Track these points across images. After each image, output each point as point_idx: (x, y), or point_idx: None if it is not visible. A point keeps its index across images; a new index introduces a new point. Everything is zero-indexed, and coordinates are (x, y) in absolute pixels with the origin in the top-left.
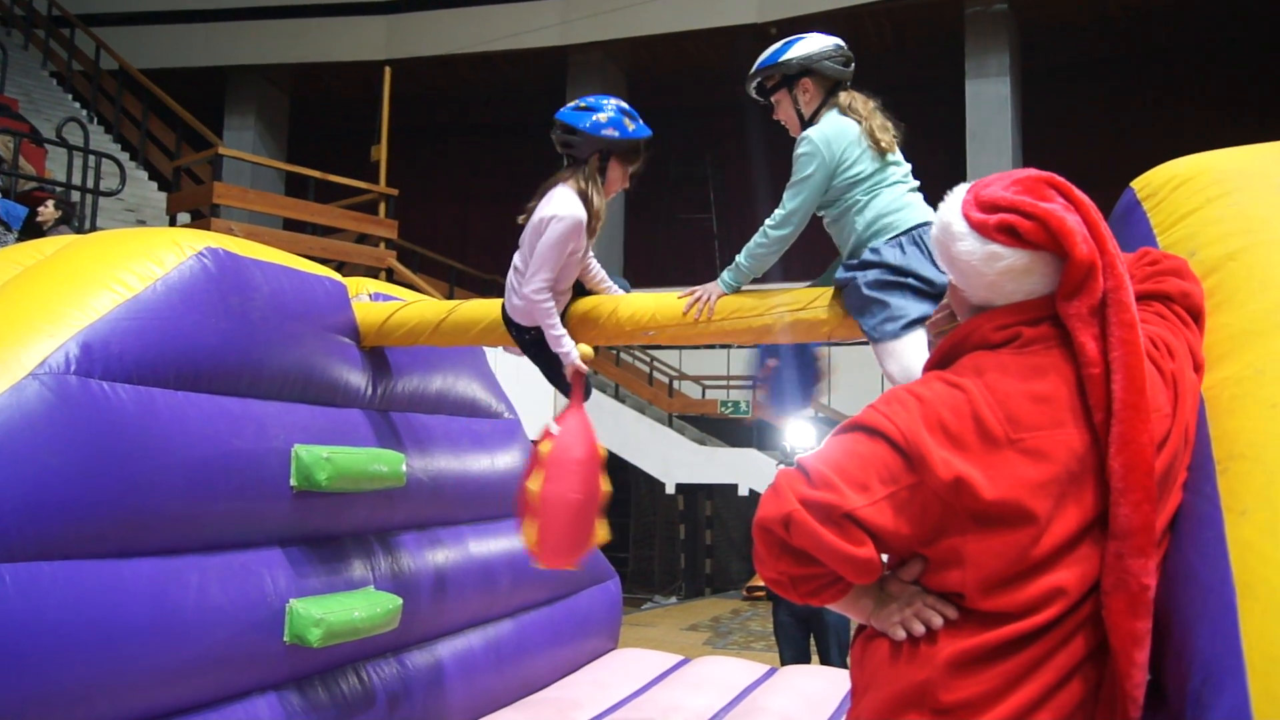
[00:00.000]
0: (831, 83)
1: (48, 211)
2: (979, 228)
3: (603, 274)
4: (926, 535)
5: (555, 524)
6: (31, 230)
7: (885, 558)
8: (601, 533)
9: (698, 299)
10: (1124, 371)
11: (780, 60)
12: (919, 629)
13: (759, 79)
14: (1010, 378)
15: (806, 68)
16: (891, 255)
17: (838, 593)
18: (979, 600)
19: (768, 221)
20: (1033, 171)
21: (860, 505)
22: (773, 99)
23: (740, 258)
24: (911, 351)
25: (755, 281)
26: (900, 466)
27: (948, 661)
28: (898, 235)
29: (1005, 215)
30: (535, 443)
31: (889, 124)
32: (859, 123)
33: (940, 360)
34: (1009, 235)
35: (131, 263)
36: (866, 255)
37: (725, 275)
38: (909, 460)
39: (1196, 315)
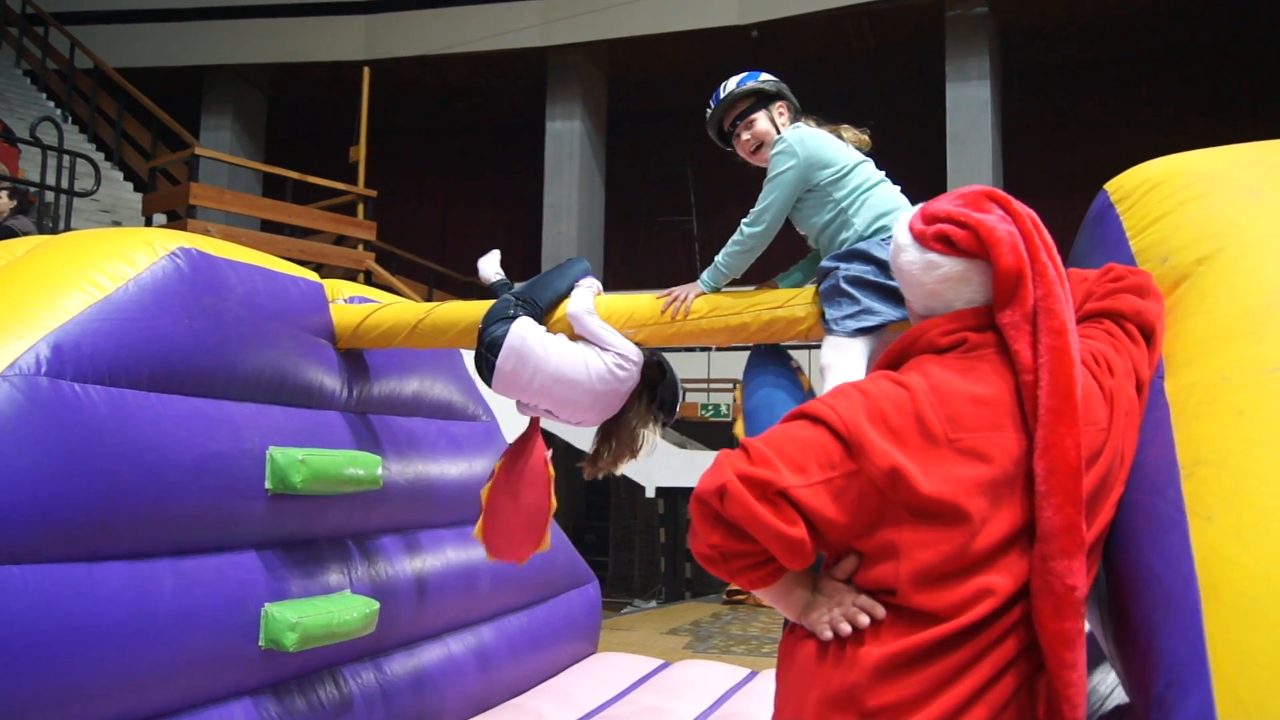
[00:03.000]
0: (796, 110)
1: (2, 202)
2: (919, 238)
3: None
4: (861, 527)
5: (496, 526)
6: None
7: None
8: (544, 543)
9: (675, 299)
10: (1050, 378)
11: (760, 80)
12: (846, 629)
13: (732, 104)
14: (953, 379)
15: (780, 93)
16: (883, 252)
17: (768, 576)
18: (910, 595)
19: (744, 220)
20: (977, 187)
21: (795, 485)
22: (747, 120)
23: (718, 258)
24: (854, 353)
25: (735, 283)
26: (839, 453)
27: (875, 664)
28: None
29: (941, 225)
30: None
31: (853, 129)
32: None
33: (890, 362)
34: (944, 244)
35: (103, 263)
36: (858, 247)
37: (704, 276)
38: (848, 448)
39: (1149, 334)
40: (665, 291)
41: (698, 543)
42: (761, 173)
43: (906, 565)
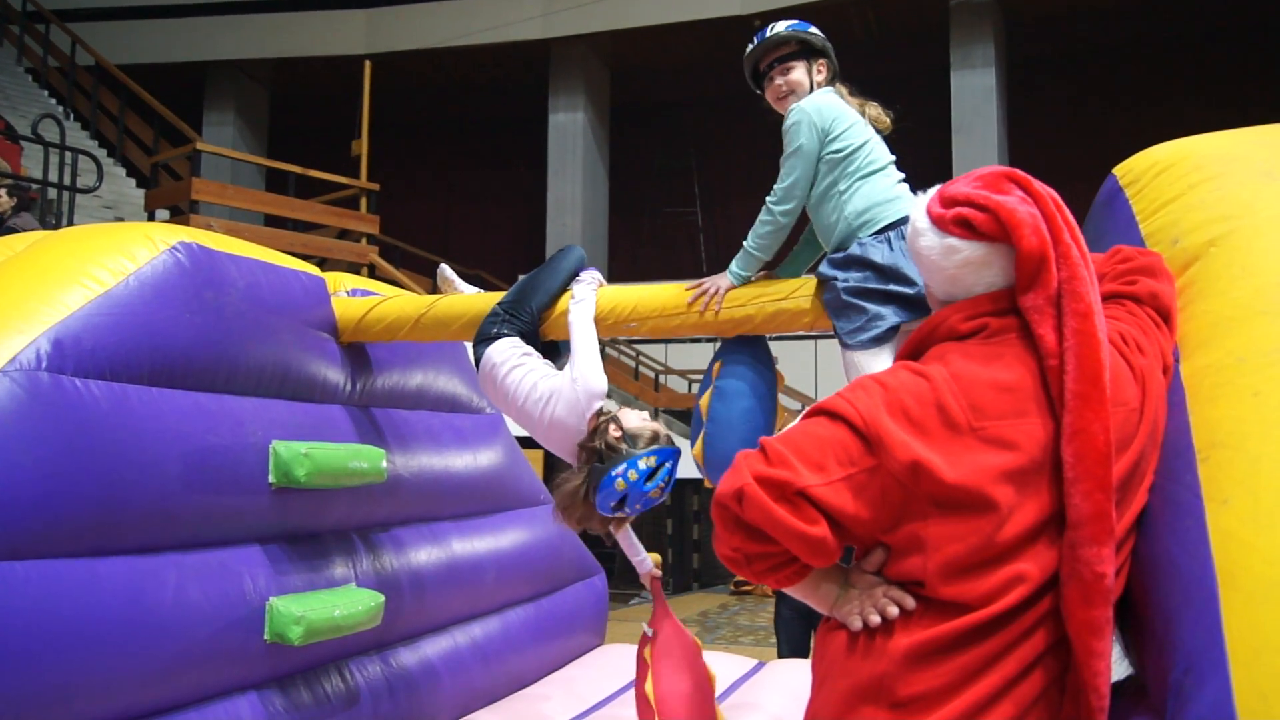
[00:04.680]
0: (835, 73)
1: (3, 200)
2: (938, 222)
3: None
4: (887, 521)
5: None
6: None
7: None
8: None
9: (704, 291)
10: (1076, 361)
11: (810, 30)
12: (875, 620)
13: (776, 46)
14: (975, 367)
15: (825, 50)
16: (879, 254)
17: (794, 575)
18: (939, 587)
19: (769, 199)
20: (996, 168)
21: (814, 484)
22: (784, 65)
23: (747, 243)
24: (877, 367)
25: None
26: (859, 449)
27: (905, 654)
28: (885, 229)
29: (960, 209)
30: (640, 650)
31: (878, 106)
32: (851, 106)
33: (911, 351)
34: (964, 228)
35: (103, 258)
36: (853, 251)
37: (734, 266)
38: (868, 443)
39: (1166, 316)
40: (695, 283)
41: (720, 545)
42: (772, 158)
43: (934, 558)
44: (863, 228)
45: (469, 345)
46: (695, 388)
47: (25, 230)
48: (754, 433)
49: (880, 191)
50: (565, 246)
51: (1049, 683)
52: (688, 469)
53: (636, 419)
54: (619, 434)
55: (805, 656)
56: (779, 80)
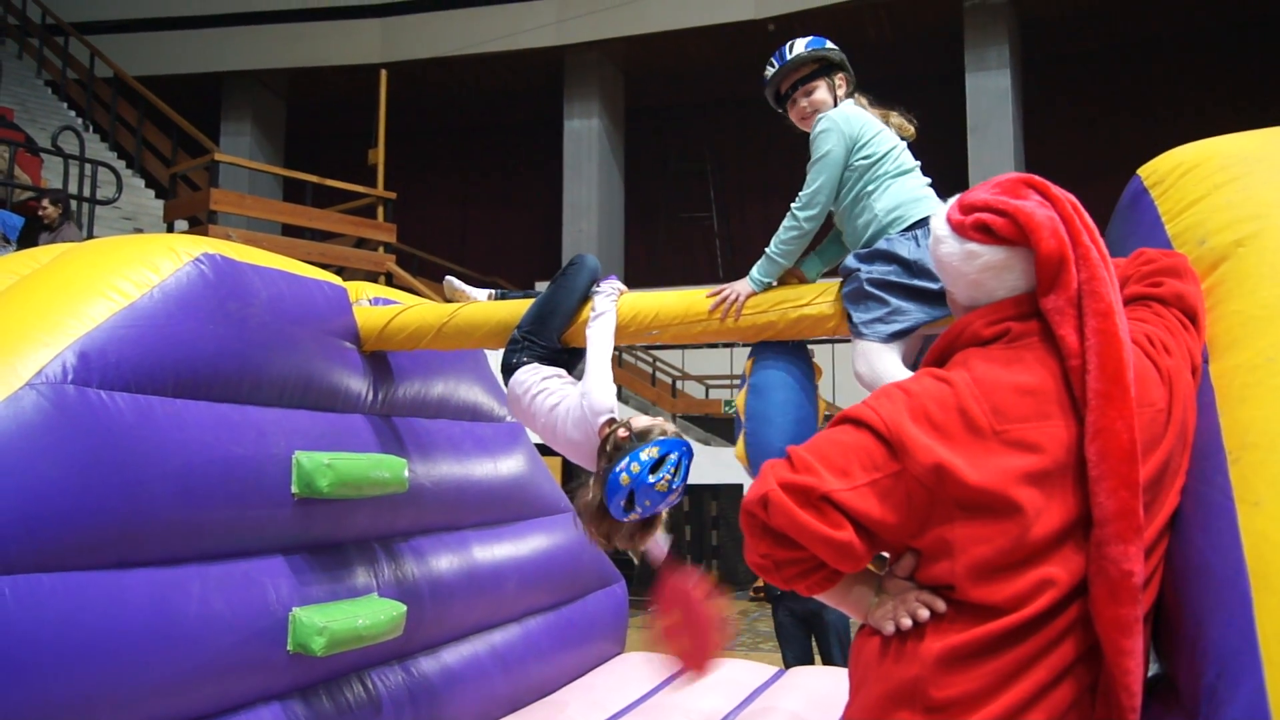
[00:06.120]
0: (853, 84)
1: (51, 210)
2: (957, 228)
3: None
4: (914, 526)
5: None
6: (33, 237)
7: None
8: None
9: (725, 298)
10: (1098, 360)
11: (827, 47)
12: (907, 623)
13: (797, 68)
14: (997, 371)
15: (843, 64)
16: (906, 249)
17: (824, 580)
18: (969, 590)
19: (794, 205)
20: (1014, 174)
21: (839, 489)
22: (806, 85)
23: (770, 249)
24: (887, 361)
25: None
26: (883, 455)
27: (938, 658)
28: (913, 226)
29: (979, 214)
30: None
31: (900, 115)
32: (874, 115)
33: (936, 358)
34: (983, 233)
35: (128, 270)
36: (880, 246)
37: (755, 272)
38: (891, 448)
39: (1192, 316)
40: (715, 290)
41: (749, 553)
42: (789, 161)
43: (962, 560)
44: (892, 224)
45: (489, 353)
46: (712, 393)
47: (71, 239)
48: (792, 424)
49: (909, 191)
50: (578, 257)
51: (1081, 691)
52: (706, 475)
53: (645, 420)
54: (626, 434)
55: (809, 662)
56: (803, 102)
